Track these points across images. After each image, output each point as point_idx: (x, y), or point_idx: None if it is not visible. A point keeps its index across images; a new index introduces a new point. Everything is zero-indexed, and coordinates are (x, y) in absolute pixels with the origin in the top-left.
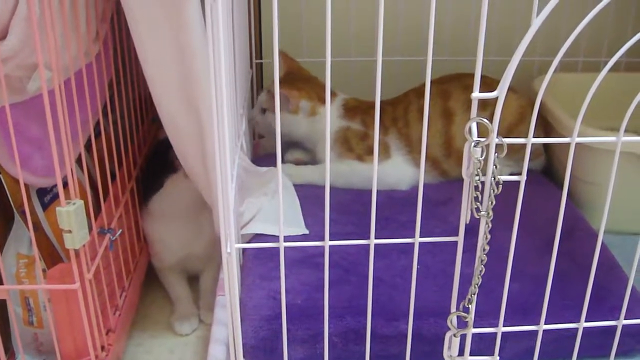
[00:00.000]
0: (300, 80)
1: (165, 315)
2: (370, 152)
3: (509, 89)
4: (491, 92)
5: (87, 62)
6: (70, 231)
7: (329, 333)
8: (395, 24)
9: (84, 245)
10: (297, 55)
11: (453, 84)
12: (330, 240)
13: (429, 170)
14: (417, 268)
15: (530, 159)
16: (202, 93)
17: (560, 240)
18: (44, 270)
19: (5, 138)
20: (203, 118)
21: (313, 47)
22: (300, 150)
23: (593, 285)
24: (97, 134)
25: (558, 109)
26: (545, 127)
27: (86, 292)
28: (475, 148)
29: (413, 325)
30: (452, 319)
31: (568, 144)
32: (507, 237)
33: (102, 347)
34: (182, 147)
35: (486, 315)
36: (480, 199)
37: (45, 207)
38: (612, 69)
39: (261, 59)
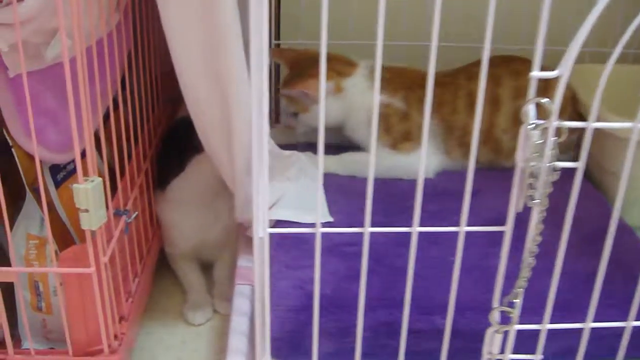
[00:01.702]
0: (310, 66)
1: (176, 304)
2: (407, 138)
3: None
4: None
5: (107, 31)
6: (87, 210)
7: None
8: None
9: (100, 227)
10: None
11: (503, 69)
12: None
13: (459, 158)
14: (450, 260)
15: (561, 152)
16: (231, 67)
17: (596, 238)
18: (55, 252)
19: (19, 109)
20: (230, 94)
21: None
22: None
23: (630, 283)
24: (113, 109)
25: (590, 99)
26: (580, 117)
27: (101, 277)
28: (533, 131)
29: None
30: (495, 315)
31: (600, 137)
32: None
33: (115, 336)
34: (205, 125)
35: (525, 312)
36: (529, 187)
37: (58, 185)
38: None
39: (279, 39)
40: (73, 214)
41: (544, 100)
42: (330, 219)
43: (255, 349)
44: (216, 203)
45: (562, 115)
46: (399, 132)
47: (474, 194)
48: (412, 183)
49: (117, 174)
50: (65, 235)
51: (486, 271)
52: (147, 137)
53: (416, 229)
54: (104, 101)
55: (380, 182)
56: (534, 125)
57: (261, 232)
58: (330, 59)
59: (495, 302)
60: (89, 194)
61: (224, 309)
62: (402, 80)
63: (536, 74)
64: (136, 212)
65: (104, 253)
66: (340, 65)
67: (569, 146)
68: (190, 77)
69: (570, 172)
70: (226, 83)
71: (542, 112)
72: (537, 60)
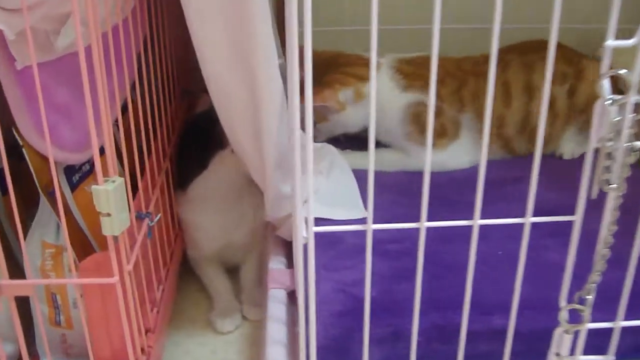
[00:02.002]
0: (325, 72)
1: (203, 312)
2: (442, 133)
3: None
4: (569, 66)
5: (122, 17)
6: (109, 214)
7: (410, 331)
8: None
9: (123, 232)
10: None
11: (536, 55)
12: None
13: (496, 150)
14: (499, 254)
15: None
16: (260, 54)
17: None
18: (74, 262)
19: (29, 105)
20: (259, 83)
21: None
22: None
23: None
24: (127, 105)
25: None
26: None
27: (125, 287)
28: (610, 107)
29: (508, 319)
30: (564, 314)
31: None
32: (596, 219)
33: (142, 350)
34: (232, 118)
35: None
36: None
37: (73, 188)
38: None
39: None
40: (91, 219)
41: (622, 71)
42: (366, 215)
43: (298, 359)
44: (241, 202)
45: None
46: (433, 129)
47: (514, 182)
48: (449, 174)
49: (137, 173)
50: (84, 243)
51: (541, 266)
52: (166, 133)
53: (477, 221)
54: (121, 94)
55: (408, 175)
56: (610, 100)
57: (305, 232)
58: (349, 62)
59: (563, 300)
60: (110, 196)
61: (254, 315)
62: (425, 74)
63: (611, 43)
64: (159, 214)
65: (128, 260)
66: (360, 69)
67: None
68: (215, 66)
69: None
70: (255, 71)
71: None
72: (612, 25)
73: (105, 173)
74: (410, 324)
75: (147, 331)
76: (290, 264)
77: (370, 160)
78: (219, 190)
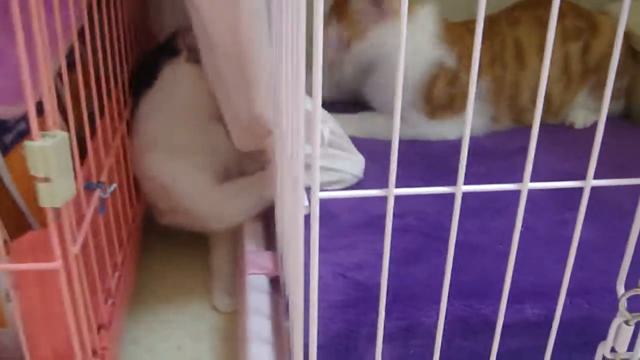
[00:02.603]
0: None
1: (165, 300)
2: (448, 105)
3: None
4: (582, 20)
5: None
6: (47, 179)
7: (427, 325)
8: None
9: (67, 203)
10: None
11: (544, 10)
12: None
13: (507, 123)
14: (522, 231)
15: (611, 102)
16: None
17: None
18: (5, 243)
19: None
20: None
21: None
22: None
23: None
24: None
25: None
26: (634, 57)
27: (71, 274)
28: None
29: (543, 308)
30: (623, 301)
31: None
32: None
33: (94, 352)
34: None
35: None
36: None
37: (6, 150)
38: None
39: None
40: (28, 189)
41: None
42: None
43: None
44: (209, 132)
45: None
46: (442, 98)
47: (519, 152)
48: (451, 142)
49: (86, 135)
50: (19, 219)
51: (565, 244)
52: (122, 93)
53: (527, 185)
54: (65, 37)
55: (409, 143)
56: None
57: (306, 201)
58: None
59: (621, 285)
60: (48, 154)
61: (226, 307)
62: (455, 31)
63: None
64: (114, 184)
65: (74, 241)
66: None
67: (619, 94)
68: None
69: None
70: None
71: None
72: None
73: (43, 127)
74: (426, 316)
75: (99, 328)
76: (268, 245)
77: (396, 107)
78: (177, 107)
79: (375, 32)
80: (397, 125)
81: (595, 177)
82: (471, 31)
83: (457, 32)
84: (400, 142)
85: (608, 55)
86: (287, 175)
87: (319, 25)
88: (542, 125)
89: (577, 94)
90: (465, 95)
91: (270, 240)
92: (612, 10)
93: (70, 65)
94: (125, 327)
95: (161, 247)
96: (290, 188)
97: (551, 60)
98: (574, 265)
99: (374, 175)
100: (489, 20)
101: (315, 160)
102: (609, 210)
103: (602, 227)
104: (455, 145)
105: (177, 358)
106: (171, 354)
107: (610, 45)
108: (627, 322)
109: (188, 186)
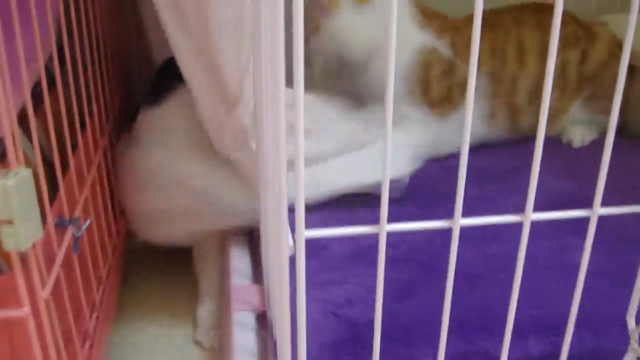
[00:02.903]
0: None
1: (146, 333)
2: (447, 97)
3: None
4: (581, 28)
5: None
6: (11, 222)
7: None
8: None
9: (34, 245)
10: None
11: (548, 14)
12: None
13: (502, 121)
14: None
15: (605, 115)
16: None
17: None
18: None
19: None
20: None
21: None
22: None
23: None
24: (50, 85)
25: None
26: (630, 72)
27: (41, 321)
28: None
29: (548, 343)
30: (635, 336)
31: None
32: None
33: None
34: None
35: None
36: None
37: None
38: None
39: None
40: None
41: None
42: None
43: None
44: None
45: (613, 62)
46: (439, 90)
47: (517, 171)
48: (442, 163)
49: (57, 168)
50: None
51: (571, 270)
52: (98, 122)
53: (458, 222)
54: (32, 68)
55: None
56: None
57: (291, 240)
58: None
59: (632, 319)
60: (10, 194)
61: (210, 341)
62: (448, 20)
63: None
64: (88, 220)
65: (43, 285)
66: None
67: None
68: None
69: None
70: None
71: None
72: None
73: (5, 164)
74: (424, 355)
75: None
76: (256, 278)
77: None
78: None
79: (326, 26)
80: (388, 162)
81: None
82: (471, 22)
83: (450, 22)
84: None
85: (604, 65)
86: (270, 204)
87: (300, 33)
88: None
89: (572, 104)
90: (464, 88)
91: (258, 273)
92: (607, 21)
93: (37, 96)
94: None
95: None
96: (274, 222)
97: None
98: (568, 292)
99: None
100: (492, 13)
101: (300, 195)
102: (612, 235)
103: (605, 252)
104: (448, 163)
105: None
106: None
107: (609, 54)
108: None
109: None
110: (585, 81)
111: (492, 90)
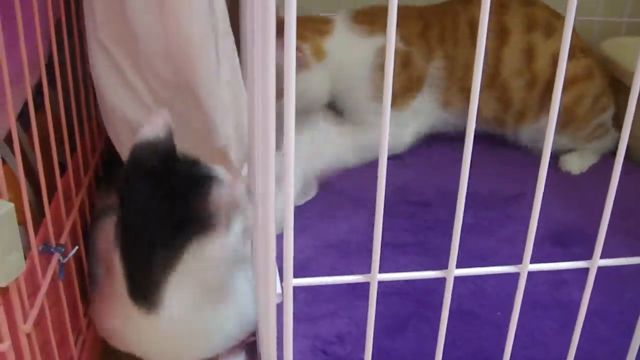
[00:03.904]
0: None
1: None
2: (409, 88)
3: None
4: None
5: None
6: None
7: None
8: None
9: (16, 279)
10: None
11: None
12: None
13: (459, 108)
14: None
15: (595, 137)
16: None
17: None
18: None
19: None
20: None
21: None
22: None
23: None
24: (38, 105)
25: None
26: (617, 93)
27: (22, 354)
28: None
29: None
30: None
31: None
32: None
33: None
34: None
35: None
36: None
37: None
38: None
39: None
40: None
41: None
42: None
43: None
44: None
45: (588, 81)
46: (400, 81)
47: (517, 198)
48: (438, 188)
49: (43, 194)
50: None
51: (568, 308)
52: (90, 142)
53: (453, 271)
54: (19, 83)
55: (394, 187)
56: None
57: (279, 286)
58: (301, 21)
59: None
60: None
61: None
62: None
63: None
64: (76, 247)
65: (25, 318)
66: (316, 24)
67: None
68: None
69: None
70: None
71: None
72: None
73: None
74: None
75: None
76: None
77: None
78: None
79: (301, 76)
80: (380, 211)
81: (594, 227)
82: (420, 12)
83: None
84: (389, 185)
85: (582, 79)
86: (259, 247)
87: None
88: (502, 129)
89: (541, 116)
90: (420, 77)
91: None
92: (605, 48)
93: (23, 117)
94: None
95: None
96: (262, 267)
97: (510, 47)
98: (568, 334)
99: (356, 228)
100: (441, 5)
101: (289, 244)
102: (610, 273)
103: (604, 291)
104: (442, 187)
105: None
106: None
107: (584, 71)
108: None
109: None
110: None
111: (445, 76)
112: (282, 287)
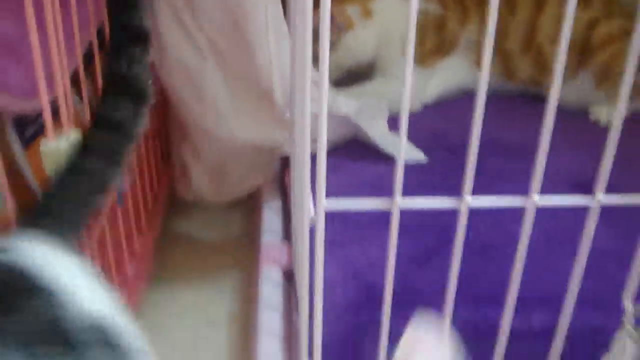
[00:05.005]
0: None
1: (183, 278)
2: (438, 50)
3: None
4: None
5: None
6: None
7: None
8: None
9: None
10: None
11: None
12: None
13: (493, 71)
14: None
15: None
16: None
17: None
18: None
19: None
20: None
21: None
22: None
23: None
24: (101, 46)
25: None
26: None
27: None
28: None
29: (551, 318)
30: (629, 316)
31: None
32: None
33: None
34: None
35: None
36: None
37: (27, 143)
38: None
39: None
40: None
41: None
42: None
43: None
44: None
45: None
46: (432, 44)
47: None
48: (463, 131)
49: None
50: None
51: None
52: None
53: (468, 200)
54: (85, 33)
55: (428, 137)
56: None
57: (312, 209)
58: None
59: (628, 299)
60: (61, 156)
61: None
62: None
63: None
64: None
65: (89, 238)
66: None
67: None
68: None
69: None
70: None
71: None
72: None
73: (59, 128)
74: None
75: None
76: (286, 234)
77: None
78: None
79: (341, 43)
80: (404, 139)
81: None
82: None
83: None
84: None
85: (615, 37)
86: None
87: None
88: (538, 89)
89: (578, 74)
90: (453, 40)
91: (289, 229)
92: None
93: (91, 56)
94: (140, 312)
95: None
96: (298, 189)
97: (546, 14)
98: (585, 274)
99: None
100: None
101: (322, 163)
102: (631, 215)
103: (621, 234)
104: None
105: (193, 344)
106: (187, 339)
107: (620, 29)
108: (632, 338)
109: None
110: (592, 52)
111: (481, 39)
112: (314, 211)
